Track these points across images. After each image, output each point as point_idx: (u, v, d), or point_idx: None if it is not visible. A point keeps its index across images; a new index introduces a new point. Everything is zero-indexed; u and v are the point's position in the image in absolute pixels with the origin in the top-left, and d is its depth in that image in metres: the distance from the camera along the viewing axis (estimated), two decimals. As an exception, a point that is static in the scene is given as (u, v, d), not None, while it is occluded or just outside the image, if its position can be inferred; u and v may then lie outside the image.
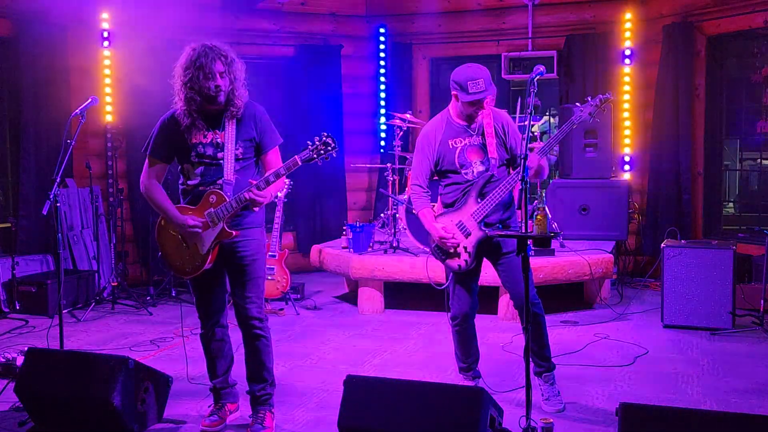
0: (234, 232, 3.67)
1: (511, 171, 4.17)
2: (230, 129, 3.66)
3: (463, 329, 4.32)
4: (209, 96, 3.60)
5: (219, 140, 3.67)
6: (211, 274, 3.81)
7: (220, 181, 3.67)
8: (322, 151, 3.56)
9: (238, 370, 4.05)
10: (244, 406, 4.06)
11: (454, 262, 4.11)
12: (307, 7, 8.74)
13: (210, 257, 3.70)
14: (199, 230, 3.66)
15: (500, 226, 4.11)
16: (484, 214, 4.02)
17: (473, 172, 4.09)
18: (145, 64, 7.43)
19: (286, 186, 6.32)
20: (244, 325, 3.79)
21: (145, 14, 7.39)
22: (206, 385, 4.14)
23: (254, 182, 3.59)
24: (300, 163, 3.57)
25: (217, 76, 3.58)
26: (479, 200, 4.03)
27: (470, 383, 4.32)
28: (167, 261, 3.84)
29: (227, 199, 3.63)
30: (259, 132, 3.74)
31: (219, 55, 3.58)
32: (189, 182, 3.76)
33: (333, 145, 3.56)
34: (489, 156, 4.07)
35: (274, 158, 3.79)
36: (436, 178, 4.26)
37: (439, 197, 4.26)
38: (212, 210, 3.65)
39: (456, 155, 4.11)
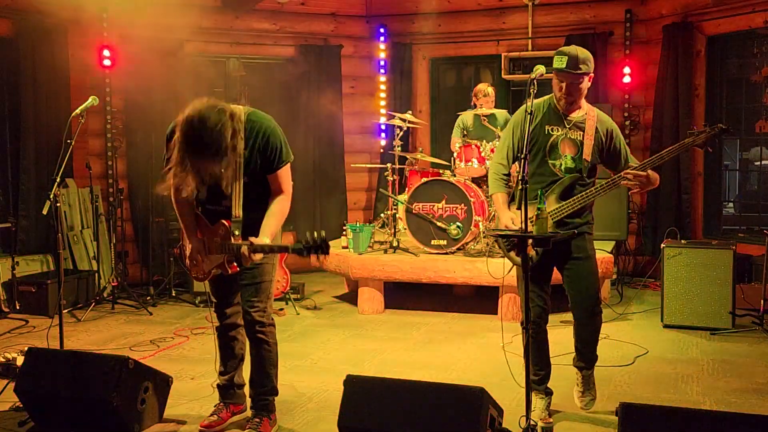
0: (230, 270, 3.64)
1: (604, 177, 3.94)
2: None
3: (536, 334, 4.00)
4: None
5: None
6: (224, 277, 3.80)
7: (228, 222, 3.59)
8: (312, 251, 3.31)
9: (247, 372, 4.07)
10: (246, 406, 4.08)
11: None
12: (307, 7, 8.74)
13: (210, 275, 3.75)
14: (199, 262, 3.70)
15: (576, 233, 3.85)
16: (562, 216, 3.85)
17: (562, 167, 3.89)
18: (146, 63, 7.44)
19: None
20: (248, 328, 3.80)
21: (146, 14, 7.39)
22: (207, 385, 4.14)
23: (252, 240, 3.48)
24: (290, 253, 3.46)
25: (209, 163, 3.39)
26: (560, 200, 3.86)
27: (542, 401, 4.06)
28: (188, 265, 3.82)
29: (231, 239, 3.57)
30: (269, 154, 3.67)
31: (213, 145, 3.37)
32: (199, 200, 3.72)
33: (324, 249, 3.28)
34: (583, 156, 3.87)
35: (281, 178, 3.69)
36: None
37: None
38: (219, 240, 3.63)
39: (548, 142, 3.89)
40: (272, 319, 3.83)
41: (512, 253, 3.86)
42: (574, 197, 3.85)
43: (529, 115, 3.53)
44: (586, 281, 3.97)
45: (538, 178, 3.92)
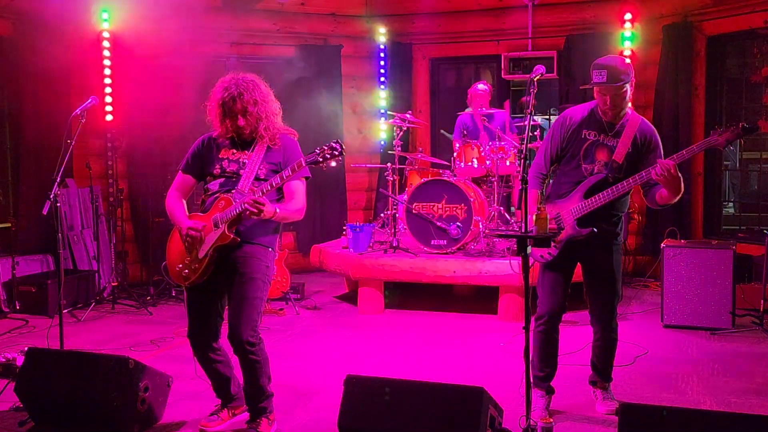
0: (233, 236, 3.63)
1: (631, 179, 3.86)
2: (258, 151, 3.74)
3: (547, 331, 4.02)
4: (233, 130, 3.75)
5: (244, 160, 3.74)
6: (208, 294, 3.78)
7: (234, 191, 3.68)
8: (327, 155, 3.50)
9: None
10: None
11: (538, 252, 3.93)
12: (307, 7, 8.74)
13: (207, 263, 3.66)
14: (196, 234, 3.67)
15: (596, 231, 3.84)
16: (583, 213, 3.85)
17: (592, 171, 3.91)
18: (145, 63, 7.44)
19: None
20: (236, 347, 3.65)
21: (145, 14, 7.39)
22: (207, 385, 4.14)
23: (257, 189, 3.60)
24: (304, 165, 3.54)
25: (240, 117, 3.69)
26: (584, 198, 3.87)
27: (543, 399, 4.05)
28: (169, 267, 3.83)
29: (233, 204, 3.64)
30: (285, 160, 3.74)
31: (241, 96, 3.67)
32: (208, 193, 3.81)
33: (340, 150, 3.50)
34: (613, 158, 3.87)
35: (294, 188, 3.75)
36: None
37: (551, 184, 4.14)
38: (218, 214, 3.66)
39: (583, 147, 3.95)
40: (260, 337, 3.72)
41: (533, 249, 3.86)
42: (598, 194, 3.84)
43: (530, 115, 3.57)
44: (602, 295, 4.04)
45: (564, 178, 4.00)
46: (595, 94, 3.94)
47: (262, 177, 3.71)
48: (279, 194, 3.77)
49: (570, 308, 6.49)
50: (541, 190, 4.07)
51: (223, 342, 3.84)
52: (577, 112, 4.06)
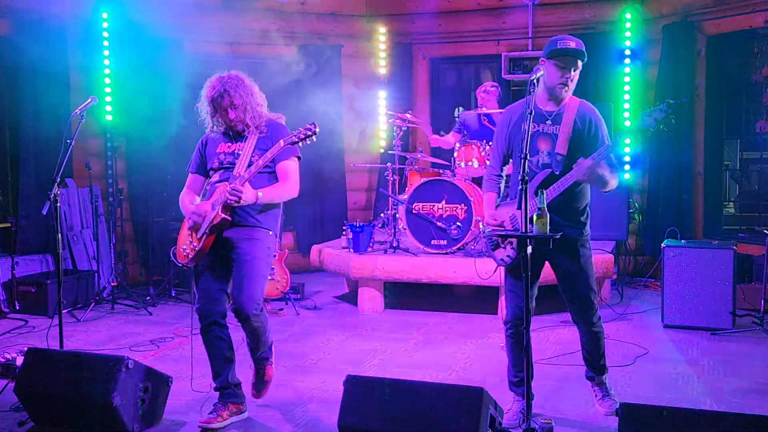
0: (224, 215, 3.81)
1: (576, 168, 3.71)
2: (250, 141, 3.98)
3: (514, 335, 3.92)
4: (225, 124, 4.03)
5: (239, 151, 3.98)
6: (212, 268, 3.96)
7: (230, 178, 3.89)
8: (302, 136, 3.78)
9: (243, 373, 4.08)
10: (250, 408, 4.10)
11: (499, 254, 3.86)
12: (307, 6, 8.74)
13: (205, 240, 3.86)
14: (198, 218, 3.91)
15: (557, 228, 3.68)
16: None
17: (539, 163, 3.80)
18: (146, 63, 7.44)
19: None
20: (242, 322, 3.90)
21: (145, 14, 7.39)
22: (207, 385, 4.14)
23: (243, 175, 3.82)
24: (283, 146, 3.79)
25: (229, 111, 3.94)
26: (534, 196, 3.66)
27: (518, 403, 3.96)
28: (177, 250, 4.04)
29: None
30: (275, 143, 3.91)
31: (227, 92, 3.90)
32: (210, 184, 4.06)
33: (314, 130, 3.76)
34: (556, 150, 3.76)
35: (285, 168, 3.98)
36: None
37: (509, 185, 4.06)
38: (216, 198, 3.88)
39: (525, 142, 3.71)
40: (262, 307, 3.95)
41: (495, 253, 3.89)
42: (542, 191, 3.57)
43: (530, 115, 3.49)
44: (576, 293, 3.97)
45: (516, 177, 3.86)
46: (551, 70, 3.74)
47: (257, 158, 3.93)
48: (273, 177, 4.01)
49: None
50: (497, 192, 4.01)
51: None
52: (517, 106, 3.95)
